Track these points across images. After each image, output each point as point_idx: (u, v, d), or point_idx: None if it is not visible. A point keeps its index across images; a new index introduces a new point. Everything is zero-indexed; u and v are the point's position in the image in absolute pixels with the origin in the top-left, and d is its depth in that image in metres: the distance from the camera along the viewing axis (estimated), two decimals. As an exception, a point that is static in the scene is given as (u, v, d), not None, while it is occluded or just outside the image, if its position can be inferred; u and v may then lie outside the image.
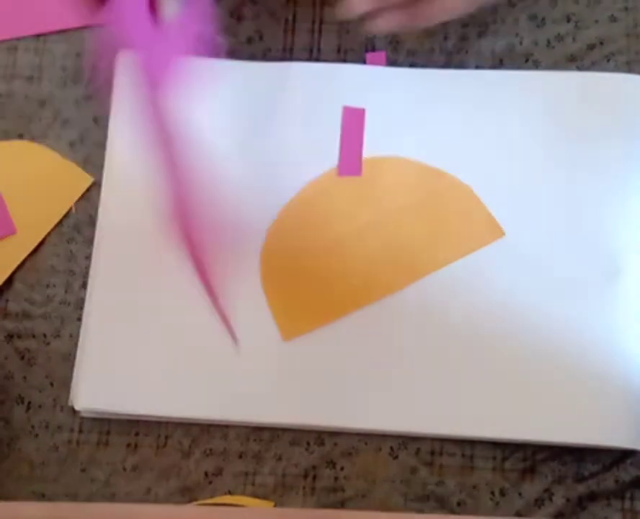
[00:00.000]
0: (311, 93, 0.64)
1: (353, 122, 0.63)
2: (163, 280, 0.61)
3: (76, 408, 0.59)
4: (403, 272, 0.60)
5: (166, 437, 0.59)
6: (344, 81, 0.64)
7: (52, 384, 0.60)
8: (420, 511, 0.56)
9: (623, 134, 0.61)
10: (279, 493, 0.58)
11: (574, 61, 0.64)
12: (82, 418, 0.59)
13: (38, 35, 0.67)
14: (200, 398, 0.58)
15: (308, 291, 0.60)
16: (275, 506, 0.57)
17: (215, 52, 0.56)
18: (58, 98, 0.66)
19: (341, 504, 0.57)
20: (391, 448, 0.58)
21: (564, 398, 0.56)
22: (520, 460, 0.57)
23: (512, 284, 0.59)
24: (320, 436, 0.58)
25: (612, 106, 0.62)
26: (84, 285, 0.62)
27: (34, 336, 0.62)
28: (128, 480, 0.58)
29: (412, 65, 0.65)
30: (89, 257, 0.62)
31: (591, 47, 0.64)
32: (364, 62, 0.65)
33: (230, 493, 0.58)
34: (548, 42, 0.65)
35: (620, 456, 0.57)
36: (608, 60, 0.64)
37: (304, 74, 0.64)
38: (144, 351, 0.59)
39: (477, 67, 0.64)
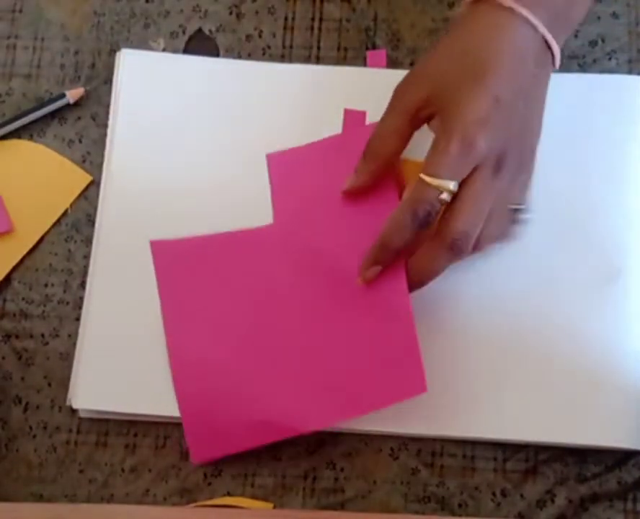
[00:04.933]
0: (312, 95, 0.63)
1: (354, 124, 0.63)
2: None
3: (74, 407, 0.58)
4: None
5: (165, 438, 0.58)
6: (345, 83, 0.64)
7: (50, 384, 0.60)
8: (421, 512, 0.56)
9: (624, 135, 0.61)
10: (278, 494, 0.57)
11: (575, 58, 0.64)
12: (80, 419, 0.59)
13: (36, 34, 0.67)
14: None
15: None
16: (275, 507, 0.57)
17: None
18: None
19: (342, 506, 0.57)
20: (392, 449, 0.57)
21: (566, 399, 0.56)
22: (522, 461, 0.57)
23: (513, 285, 0.59)
24: (320, 437, 0.58)
25: (612, 107, 0.62)
26: (83, 285, 0.61)
27: (32, 336, 0.61)
28: (127, 481, 0.58)
29: (413, 63, 0.65)
30: (87, 256, 0.62)
31: (592, 44, 0.64)
32: (364, 60, 0.65)
33: (229, 494, 0.57)
34: (550, 39, 0.64)
35: (623, 457, 0.56)
36: (610, 58, 0.64)
37: (304, 76, 0.64)
38: (143, 350, 0.59)
39: (478, 65, 0.64)
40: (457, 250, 0.53)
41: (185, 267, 0.60)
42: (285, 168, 0.62)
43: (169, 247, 0.60)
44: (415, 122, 0.56)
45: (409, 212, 0.53)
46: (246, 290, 0.59)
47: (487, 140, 0.52)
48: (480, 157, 0.52)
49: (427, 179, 0.53)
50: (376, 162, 0.58)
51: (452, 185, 0.52)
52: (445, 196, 0.53)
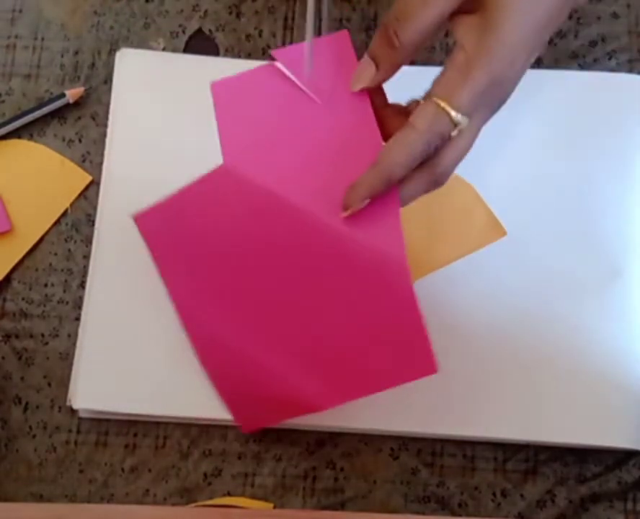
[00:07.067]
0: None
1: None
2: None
3: (74, 407, 0.58)
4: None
5: (165, 438, 0.58)
6: None
7: (50, 384, 0.60)
8: (421, 512, 0.56)
9: (624, 134, 0.61)
10: (278, 494, 0.57)
11: (575, 58, 0.64)
12: (80, 418, 0.59)
13: (36, 34, 0.67)
14: (199, 397, 0.58)
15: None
16: (275, 507, 0.57)
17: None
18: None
19: (342, 506, 0.57)
20: (392, 449, 0.57)
21: (566, 399, 0.56)
22: (522, 461, 0.57)
23: (514, 284, 0.59)
24: (320, 437, 0.58)
25: (613, 106, 0.62)
26: (82, 284, 0.61)
27: (32, 336, 0.61)
28: (127, 481, 0.58)
29: (412, 63, 0.65)
30: (87, 256, 0.62)
31: (593, 44, 0.64)
32: (364, 59, 0.65)
33: (229, 494, 0.57)
34: (550, 38, 0.64)
35: (623, 457, 0.56)
36: (610, 58, 0.64)
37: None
38: (143, 350, 0.59)
39: (478, 64, 0.64)
40: (439, 185, 0.47)
41: (171, 229, 0.55)
42: (231, 95, 0.53)
43: (150, 215, 0.55)
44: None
45: (422, 142, 0.44)
46: (229, 244, 0.52)
47: (516, 80, 0.44)
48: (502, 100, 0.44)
49: (448, 108, 0.43)
50: (406, 47, 0.46)
51: (466, 123, 0.44)
52: (455, 133, 0.44)
